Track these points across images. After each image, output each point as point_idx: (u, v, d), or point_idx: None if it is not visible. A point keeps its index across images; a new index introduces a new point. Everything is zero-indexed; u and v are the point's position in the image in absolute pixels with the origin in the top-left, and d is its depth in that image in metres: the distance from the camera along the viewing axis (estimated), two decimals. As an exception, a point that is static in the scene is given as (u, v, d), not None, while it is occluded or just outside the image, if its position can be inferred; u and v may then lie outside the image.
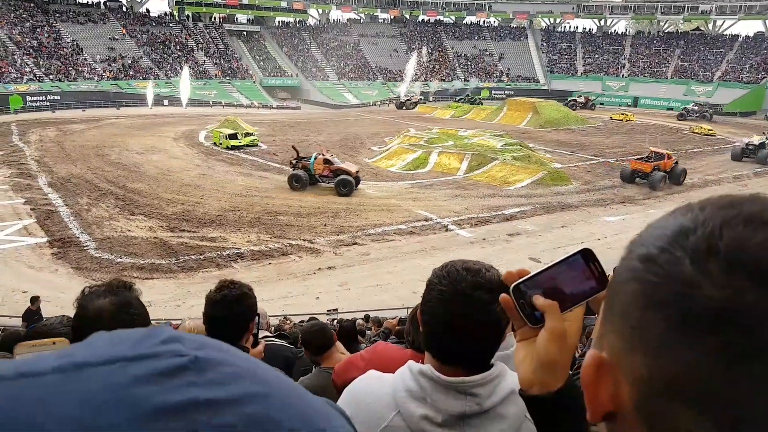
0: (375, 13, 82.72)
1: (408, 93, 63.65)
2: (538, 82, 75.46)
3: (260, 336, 3.02)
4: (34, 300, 11.69)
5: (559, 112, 50.11)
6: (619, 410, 0.50)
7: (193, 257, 17.42)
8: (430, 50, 78.00)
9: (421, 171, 29.60)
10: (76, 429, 0.40)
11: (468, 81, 72.70)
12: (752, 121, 55.60)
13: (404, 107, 59.49)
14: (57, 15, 60.15)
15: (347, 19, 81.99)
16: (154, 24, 66.48)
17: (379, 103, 63.86)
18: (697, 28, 78.45)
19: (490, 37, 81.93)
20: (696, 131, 45.75)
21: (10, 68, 50.64)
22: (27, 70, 51.69)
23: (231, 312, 2.35)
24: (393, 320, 10.29)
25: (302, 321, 10.23)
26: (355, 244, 19.31)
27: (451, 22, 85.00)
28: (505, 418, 1.33)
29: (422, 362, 1.40)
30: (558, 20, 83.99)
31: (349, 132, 41.93)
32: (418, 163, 30.59)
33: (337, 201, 23.58)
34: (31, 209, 21.17)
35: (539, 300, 0.91)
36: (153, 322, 2.92)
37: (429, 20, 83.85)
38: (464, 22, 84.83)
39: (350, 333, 6.21)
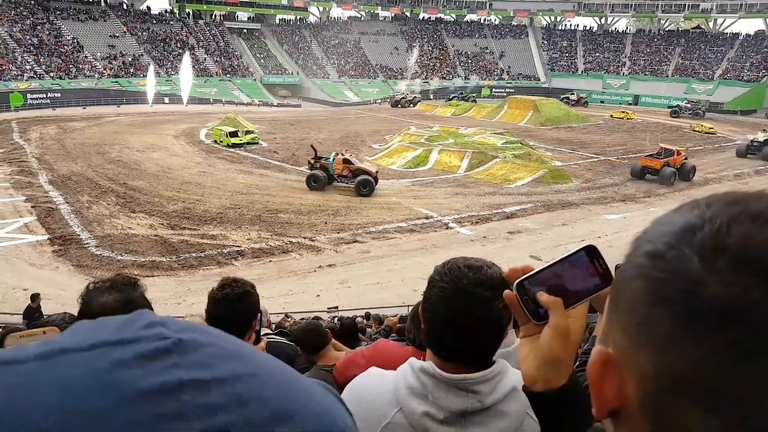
0: (376, 11, 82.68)
1: (404, 91, 63.49)
2: (539, 80, 75.42)
3: (261, 333, 3.02)
4: (35, 297, 11.70)
5: (560, 110, 50.08)
6: (625, 406, 0.50)
7: (193, 255, 17.42)
8: (430, 48, 77.97)
9: (421, 169, 29.59)
10: (59, 415, 0.40)
11: (468, 79, 72.65)
12: (752, 119, 55.54)
13: (399, 105, 59.27)
14: (58, 12, 60.12)
15: (348, 17, 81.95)
16: (154, 21, 66.47)
17: (380, 101, 63.78)
18: (698, 27, 78.35)
19: (491, 35, 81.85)
20: (696, 129, 45.72)
21: (11, 66, 50.65)
22: (28, 67, 51.69)
23: (233, 310, 2.35)
24: (394, 318, 10.29)
25: (303, 318, 10.24)
26: (356, 242, 19.31)
27: (452, 19, 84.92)
28: (506, 415, 1.33)
29: (424, 359, 1.40)
30: (559, 18, 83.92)
31: (349, 130, 41.92)
32: (418, 161, 30.58)
33: (338, 199, 23.58)
34: (31, 207, 21.17)
35: (543, 296, 0.91)
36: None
37: (430, 18, 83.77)
38: (465, 19, 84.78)
39: (351, 331, 6.23)
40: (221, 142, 34.01)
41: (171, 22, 67.49)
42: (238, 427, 0.43)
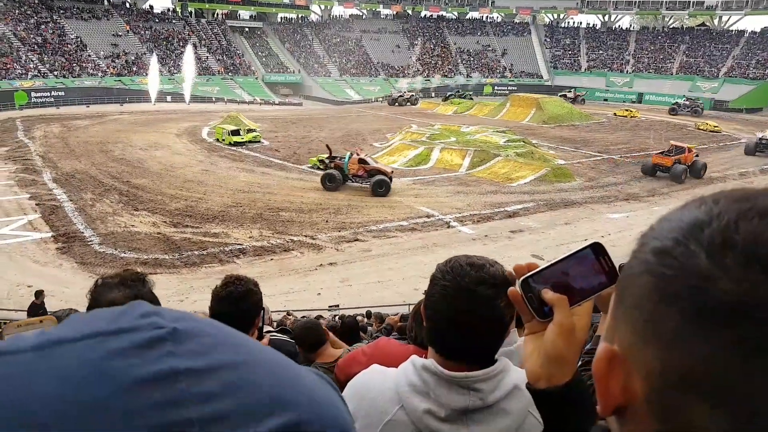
0: (377, 9, 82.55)
1: (401, 89, 63.37)
2: (542, 77, 75.22)
3: (264, 330, 3.02)
4: (39, 294, 11.74)
5: (563, 108, 49.94)
6: (631, 403, 0.50)
7: (195, 253, 17.47)
8: (432, 46, 77.90)
9: (423, 167, 29.57)
10: (56, 404, 0.40)
11: (471, 77, 72.51)
12: (758, 117, 55.33)
13: (397, 103, 58.96)
14: (61, 11, 60.20)
15: (349, 15, 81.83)
16: (157, 20, 66.52)
17: (381, 99, 63.68)
18: (703, 24, 77.95)
19: (493, 33, 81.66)
20: (701, 127, 45.55)
21: (15, 64, 50.74)
22: (31, 66, 51.79)
23: (237, 308, 2.36)
24: (395, 317, 10.30)
25: (304, 316, 10.24)
26: (357, 240, 19.32)
27: (454, 17, 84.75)
28: (508, 413, 1.33)
29: (425, 357, 1.39)
30: (561, 15, 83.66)
31: (350, 128, 41.93)
32: (420, 159, 30.56)
33: (339, 197, 23.59)
34: (35, 204, 21.26)
35: (548, 294, 0.90)
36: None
37: (431, 16, 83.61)
38: (467, 17, 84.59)
39: (352, 329, 6.23)
40: (223, 140, 34.05)
41: (173, 21, 67.55)
42: (234, 415, 0.43)
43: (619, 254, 0.71)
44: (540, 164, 28.77)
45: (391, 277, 16.63)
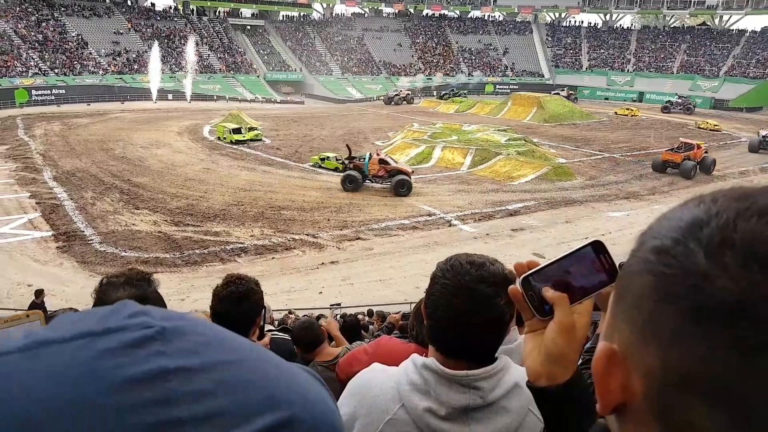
0: (379, 7, 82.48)
1: (397, 88, 63.23)
2: (543, 76, 75.14)
3: (265, 329, 3.03)
4: (39, 293, 11.76)
5: (564, 107, 49.92)
6: (630, 402, 0.50)
7: (197, 251, 17.47)
8: (434, 44, 77.85)
9: (424, 166, 29.55)
10: (47, 405, 0.40)
11: (472, 75, 72.46)
12: (758, 116, 55.26)
13: (393, 102, 58.73)
14: (62, 9, 60.20)
15: (351, 14, 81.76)
16: (158, 18, 66.50)
17: (378, 98, 63.45)
18: (704, 23, 77.88)
19: (495, 32, 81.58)
20: (701, 126, 45.54)
21: (16, 62, 50.76)
22: (32, 63, 51.79)
23: (238, 307, 2.35)
24: (396, 315, 10.31)
25: (306, 315, 10.25)
26: (358, 238, 19.32)
27: (456, 16, 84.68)
28: (508, 412, 1.33)
29: (426, 356, 1.40)
30: (563, 14, 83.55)
31: (352, 126, 41.90)
32: (421, 157, 30.55)
33: (340, 196, 23.59)
34: (36, 203, 21.25)
35: (549, 292, 0.90)
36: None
37: (433, 14, 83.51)
38: (469, 16, 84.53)
39: (354, 328, 6.23)
40: (224, 138, 34.02)
41: (175, 19, 67.54)
42: (225, 414, 0.43)
43: (620, 252, 0.72)
44: (541, 163, 28.78)
45: (393, 276, 16.64)
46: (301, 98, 61.82)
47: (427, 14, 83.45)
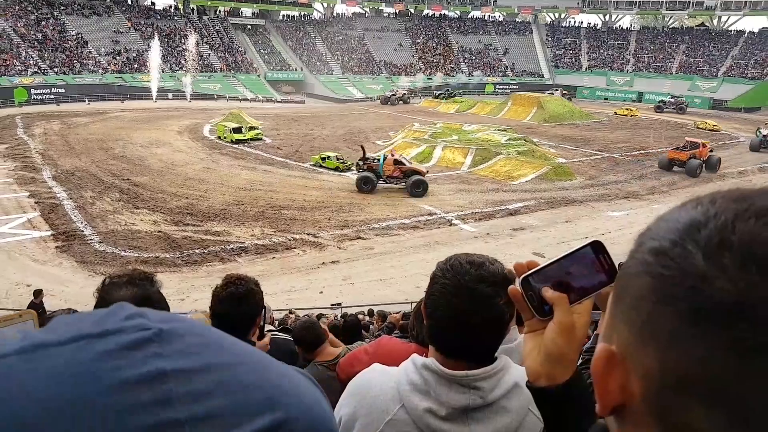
0: (380, 7, 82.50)
1: (394, 88, 63.17)
2: (543, 76, 75.18)
3: (265, 330, 3.03)
4: (38, 293, 11.73)
5: (564, 107, 49.98)
6: (629, 403, 0.50)
7: (197, 251, 17.45)
8: (434, 44, 77.85)
9: (425, 165, 29.53)
10: (45, 407, 0.40)
11: (472, 75, 72.49)
12: (756, 116, 55.28)
13: (389, 102, 58.61)
14: (62, 8, 60.15)
15: (352, 13, 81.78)
16: (159, 17, 66.45)
17: (374, 98, 63.32)
18: (702, 24, 77.98)
19: (495, 32, 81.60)
20: (700, 126, 45.61)
21: (15, 61, 50.71)
22: (32, 62, 51.74)
23: (238, 308, 2.33)
24: (397, 315, 10.31)
25: (306, 315, 10.25)
26: (359, 238, 19.32)
27: (456, 16, 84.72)
28: (508, 411, 1.33)
29: (426, 356, 1.40)
30: (563, 15, 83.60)
31: (353, 126, 41.89)
32: (422, 157, 30.56)
33: (341, 195, 23.59)
34: (35, 202, 21.22)
35: (548, 292, 0.90)
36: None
37: (434, 14, 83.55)
38: (469, 16, 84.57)
39: (354, 328, 6.23)
40: (225, 138, 34.00)
41: (175, 18, 67.50)
42: (222, 415, 0.44)
43: (619, 252, 0.72)
44: (541, 163, 28.81)
45: (394, 275, 16.64)
46: (302, 98, 61.81)
47: (427, 14, 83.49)
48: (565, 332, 0.91)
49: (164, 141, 33.31)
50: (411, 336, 2.62)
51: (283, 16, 77.63)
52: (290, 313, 11.81)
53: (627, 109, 54.14)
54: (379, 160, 24.63)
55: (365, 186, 24.04)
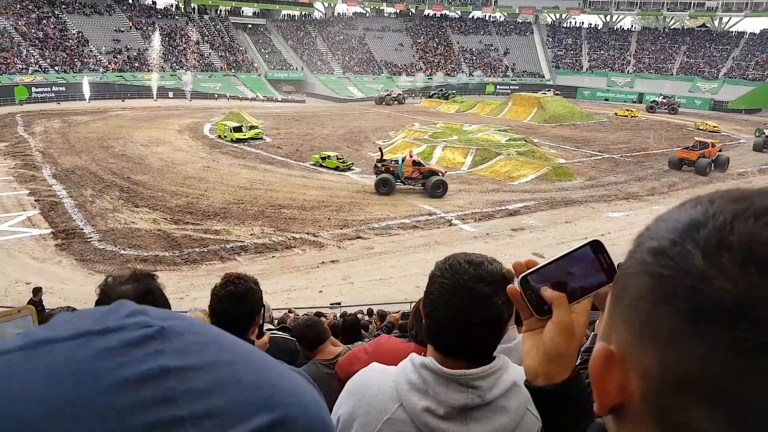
0: (381, 7, 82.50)
1: (389, 88, 63.13)
2: (543, 77, 75.17)
3: (264, 329, 3.03)
4: (37, 291, 11.72)
5: (564, 107, 49.99)
6: (627, 403, 0.50)
7: (196, 250, 17.45)
8: (435, 44, 77.86)
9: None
10: (46, 404, 0.40)
11: (473, 75, 72.51)
12: (757, 118, 55.28)
13: (384, 102, 58.55)
14: (63, 6, 60.14)
15: (353, 13, 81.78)
16: (160, 16, 66.44)
17: (370, 99, 63.23)
18: (703, 25, 78.00)
19: (496, 32, 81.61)
20: (701, 127, 45.63)
21: (16, 59, 50.70)
22: (32, 61, 51.74)
23: (237, 308, 2.33)
24: (396, 314, 10.31)
25: (306, 314, 10.25)
26: (359, 237, 19.32)
27: (457, 16, 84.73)
28: (507, 411, 1.33)
29: (425, 355, 1.40)
30: (564, 15, 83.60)
31: (353, 126, 41.89)
32: (422, 157, 30.45)
33: (341, 195, 23.59)
34: (35, 200, 21.23)
35: (547, 292, 0.90)
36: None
37: (434, 14, 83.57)
38: (470, 16, 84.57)
39: (354, 328, 6.24)
40: (225, 137, 34.01)
41: (176, 17, 67.50)
42: (224, 413, 0.44)
43: (619, 252, 0.71)
44: (541, 163, 28.81)
45: (393, 275, 16.64)
46: (302, 97, 61.79)
47: (428, 14, 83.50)
48: (563, 331, 0.90)
49: (164, 140, 33.31)
50: (410, 335, 2.62)
51: (284, 15, 77.64)
52: (289, 312, 11.81)
53: (627, 110, 54.16)
54: (397, 161, 24.61)
55: (384, 188, 23.82)
